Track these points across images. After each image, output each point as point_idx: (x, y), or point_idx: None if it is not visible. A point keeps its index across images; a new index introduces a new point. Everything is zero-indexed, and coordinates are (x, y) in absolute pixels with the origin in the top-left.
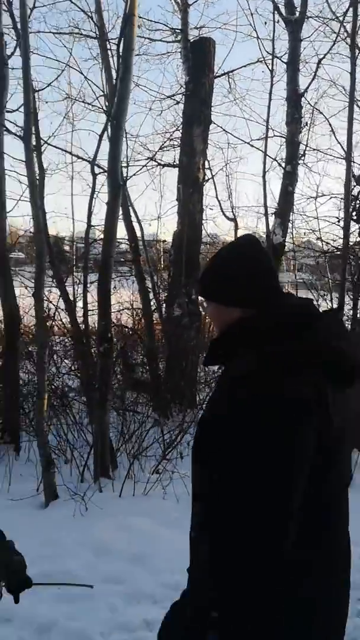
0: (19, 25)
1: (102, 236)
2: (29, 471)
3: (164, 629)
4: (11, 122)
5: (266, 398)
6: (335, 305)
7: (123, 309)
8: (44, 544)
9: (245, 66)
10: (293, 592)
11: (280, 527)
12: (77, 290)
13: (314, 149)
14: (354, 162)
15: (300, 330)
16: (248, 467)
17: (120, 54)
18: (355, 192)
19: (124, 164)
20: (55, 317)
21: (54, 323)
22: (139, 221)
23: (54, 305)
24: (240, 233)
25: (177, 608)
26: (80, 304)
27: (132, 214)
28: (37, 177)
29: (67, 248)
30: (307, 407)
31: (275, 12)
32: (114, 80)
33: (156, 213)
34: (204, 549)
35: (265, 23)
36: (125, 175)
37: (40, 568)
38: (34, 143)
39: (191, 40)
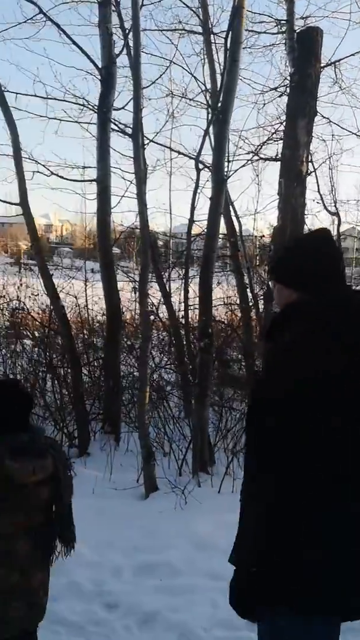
0: (126, 25)
1: (200, 231)
2: (129, 462)
3: (232, 602)
4: (115, 120)
5: (284, 372)
6: None
7: (219, 305)
8: (146, 535)
9: (353, 55)
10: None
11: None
12: (177, 285)
13: None
14: None
15: (338, 316)
16: (279, 432)
17: (228, 47)
18: None
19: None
20: (156, 312)
21: (155, 318)
22: (237, 216)
23: (152, 300)
24: (343, 227)
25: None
26: (175, 298)
27: (231, 209)
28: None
29: (159, 243)
30: (323, 382)
31: None
32: (219, 75)
33: (251, 208)
34: (249, 512)
35: None
36: (226, 170)
37: (141, 558)
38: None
39: (297, 31)
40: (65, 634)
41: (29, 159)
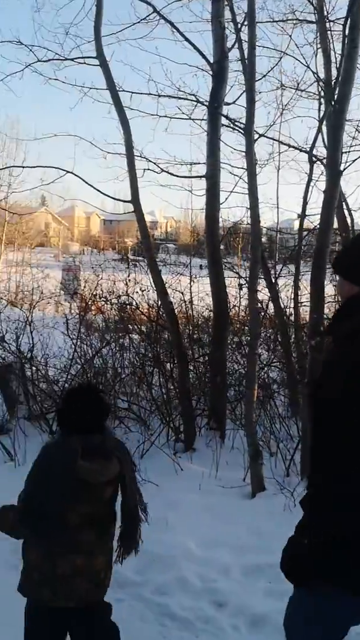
0: (237, 18)
1: (310, 226)
2: (235, 459)
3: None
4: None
5: (340, 359)
6: None
7: (330, 302)
8: (254, 535)
9: None
10: None
11: None
12: (283, 281)
13: None
14: None
15: None
16: (333, 418)
17: (346, 34)
18: None
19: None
20: (265, 309)
21: (263, 314)
22: (349, 210)
23: (260, 297)
24: None
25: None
26: (283, 295)
27: (343, 202)
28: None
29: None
30: None
31: None
32: (337, 64)
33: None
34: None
35: None
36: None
37: (250, 558)
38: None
39: None
40: (173, 629)
41: (140, 157)
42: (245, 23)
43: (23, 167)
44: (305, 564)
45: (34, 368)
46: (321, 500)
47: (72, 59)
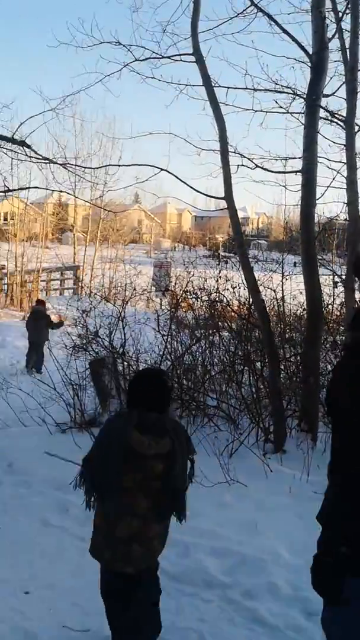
0: (338, 7)
1: None
2: (327, 464)
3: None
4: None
5: (346, 363)
6: None
7: None
8: None
9: None
10: None
11: None
12: None
13: None
14: None
15: None
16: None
17: None
18: None
19: None
20: None
21: None
22: None
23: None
24: None
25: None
26: None
27: None
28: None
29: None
30: None
31: None
32: None
33: None
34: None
35: None
36: None
37: None
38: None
39: None
40: (262, 635)
41: (234, 152)
42: (348, 11)
43: (119, 165)
44: (334, 577)
45: (125, 363)
46: (341, 504)
47: (168, 57)
